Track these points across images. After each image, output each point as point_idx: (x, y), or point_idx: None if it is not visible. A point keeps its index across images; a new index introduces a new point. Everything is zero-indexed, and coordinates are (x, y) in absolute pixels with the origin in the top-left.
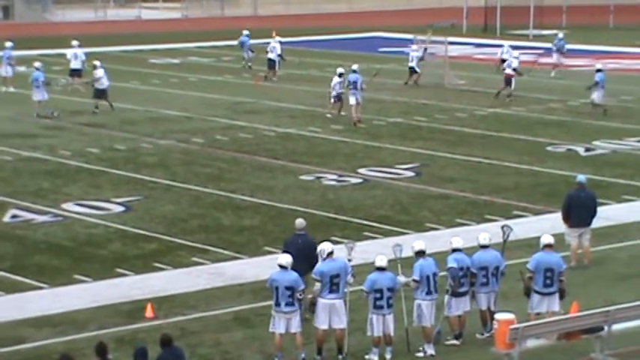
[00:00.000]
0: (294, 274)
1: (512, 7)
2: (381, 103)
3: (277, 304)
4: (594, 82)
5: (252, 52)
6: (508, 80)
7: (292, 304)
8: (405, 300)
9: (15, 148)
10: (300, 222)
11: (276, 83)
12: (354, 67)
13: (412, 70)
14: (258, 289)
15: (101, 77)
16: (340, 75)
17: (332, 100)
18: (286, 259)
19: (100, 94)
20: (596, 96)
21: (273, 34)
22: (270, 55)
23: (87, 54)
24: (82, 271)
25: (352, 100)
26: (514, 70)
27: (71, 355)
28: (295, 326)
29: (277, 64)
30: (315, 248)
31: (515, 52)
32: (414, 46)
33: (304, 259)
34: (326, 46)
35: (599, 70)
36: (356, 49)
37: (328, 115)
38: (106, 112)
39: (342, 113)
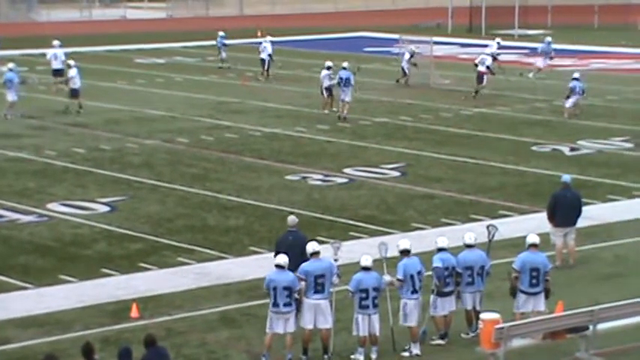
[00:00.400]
0: (292, 275)
1: (497, 7)
2: (367, 103)
3: (275, 305)
4: (569, 89)
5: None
6: (480, 78)
7: (290, 305)
8: (391, 300)
9: (0, 149)
10: (292, 219)
11: (262, 83)
12: (345, 64)
13: (404, 71)
14: (244, 289)
15: (74, 77)
16: (328, 68)
17: (325, 95)
18: (283, 259)
19: (75, 93)
20: (569, 102)
21: (258, 34)
22: (262, 55)
23: (67, 54)
24: (67, 272)
25: (343, 97)
26: (487, 67)
27: (56, 356)
28: (290, 327)
29: (267, 63)
30: (304, 245)
31: (490, 51)
32: (412, 47)
33: (295, 256)
34: (312, 46)
35: (575, 79)
36: (341, 49)
37: (325, 112)
38: (92, 112)
39: (334, 109)
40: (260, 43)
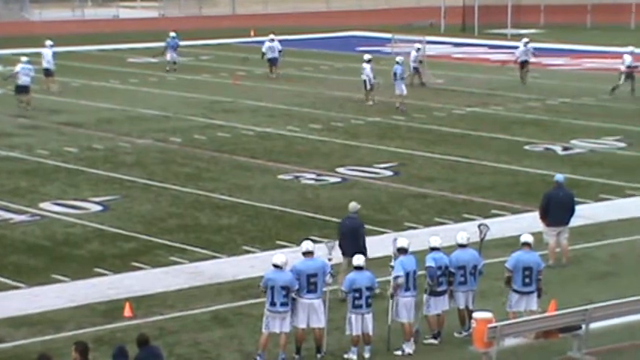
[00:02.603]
0: (289, 274)
1: (490, 7)
2: (359, 102)
3: (272, 304)
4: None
5: (171, 54)
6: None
7: (287, 304)
8: (384, 300)
9: None
10: (353, 205)
11: (255, 82)
12: (398, 59)
13: (416, 70)
14: (237, 288)
15: (17, 72)
16: (369, 61)
17: (367, 87)
18: (281, 258)
19: (21, 90)
20: None
21: (252, 33)
22: (270, 55)
23: (55, 53)
24: (59, 271)
25: (398, 90)
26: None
27: (49, 355)
28: (286, 326)
29: (278, 61)
30: (360, 231)
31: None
32: (418, 45)
33: (351, 240)
34: (304, 45)
35: None
36: (334, 49)
37: (370, 103)
38: (84, 111)
39: (370, 102)
40: (263, 42)
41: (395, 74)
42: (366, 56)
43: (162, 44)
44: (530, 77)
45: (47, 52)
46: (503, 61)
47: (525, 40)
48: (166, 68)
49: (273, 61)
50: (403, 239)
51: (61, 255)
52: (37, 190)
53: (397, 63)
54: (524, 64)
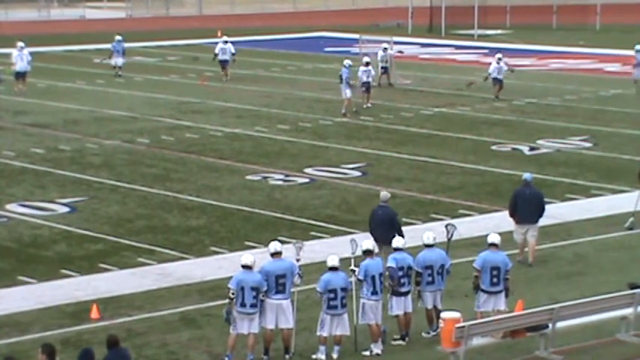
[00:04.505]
0: (259, 275)
1: (457, 7)
2: (328, 103)
3: (242, 305)
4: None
5: (117, 58)
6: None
7: (256, 305)
8: (356, 299)
9: None
10: (384, 194)
11: (223, 83)
12: (346, 62)
13: (384, 70)
14: (205, 289)
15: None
16: (367, 64)
17: (361, 90)
18: (250, 258)
19: (18, 75)
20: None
21: (219, 34)
22: (222, 57)
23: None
24: (26, 273)
25: (343, 94)
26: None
27: (15, 357)
28: (254, 327)
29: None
30: (395, 219)
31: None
32: (385, 45)
33: (385, 229)
34: (271, 46)
35: None
36: (302, 49)
37: (369, 106)
38: (51, 112)
39: (368, 105)
40: (217, 43)
41: (341, 77)
42: (346, 61)
43: (130, 45)
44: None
45: (16, 54)
46: (470, 82)
47: (499, 56)
48: (117, 72)
49: (224, 63)
50: (368, 241)
51: (28, 257)
52: (4, 191)
53: (344, 66)
54: (496, 82)
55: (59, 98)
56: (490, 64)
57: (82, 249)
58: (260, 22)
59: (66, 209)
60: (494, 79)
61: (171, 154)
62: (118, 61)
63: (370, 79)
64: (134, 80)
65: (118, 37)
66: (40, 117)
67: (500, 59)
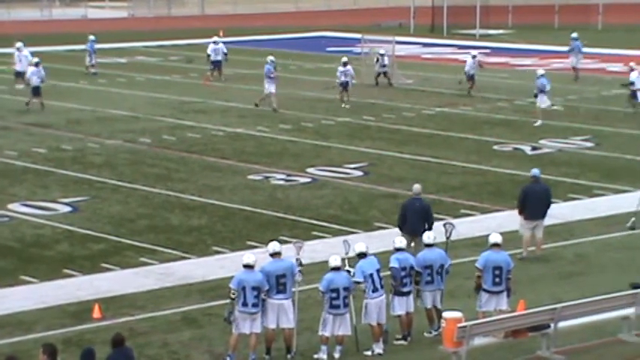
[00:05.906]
0: (260, 274)
1: (459, 7)
2: (330, 103)
3: (244, 305)
4: (537, 88)
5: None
6: None
7: (258, 305)
8: (355, 299)
9: None
10: (417, 187)
11: (225, 83)
12: (269, 58)
13: (384, 73)
14: (207, 289)
15: (32, 74)
16: (345, 64)
17: (340, 89)
18: (252, 258)
19: (35, 91)
20: (540, 100)
21: (220, 34)
22: (214, 58)
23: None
24: (28, 272)
25: (265, 89)
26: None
27: (17, 357)
28: (256, 327)
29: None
30: (430, 211)
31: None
32: (382, 51)
33: (420, 220)
34: (273, 46)
35: (541, 76)
36: (303, 49)
37: (347, 107)
38: (53, 112)
39: (347, 106)
40: (210, 43)
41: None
42: (269, 57)
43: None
44: (499, 78)
45: (25, 54)
46: (460, 79)
47: (473, 53)
48: (92, 71)
49: (216, 64)
50: (361, 244)
51: (30, 256)
52: (6, 191)
53: (267, 63)
54: (470, 78)
55: (61, 98)
56: (466, 61)
57: (84, 249)
58: (262, 22)
59: (68, 209)
60: (470, 75)
61: (173, 154)
62: (90, 60)
63: (348, 79)
64: (136, 80)
65: (91, 37)
66: (42, 117)
67: (474, 56)
